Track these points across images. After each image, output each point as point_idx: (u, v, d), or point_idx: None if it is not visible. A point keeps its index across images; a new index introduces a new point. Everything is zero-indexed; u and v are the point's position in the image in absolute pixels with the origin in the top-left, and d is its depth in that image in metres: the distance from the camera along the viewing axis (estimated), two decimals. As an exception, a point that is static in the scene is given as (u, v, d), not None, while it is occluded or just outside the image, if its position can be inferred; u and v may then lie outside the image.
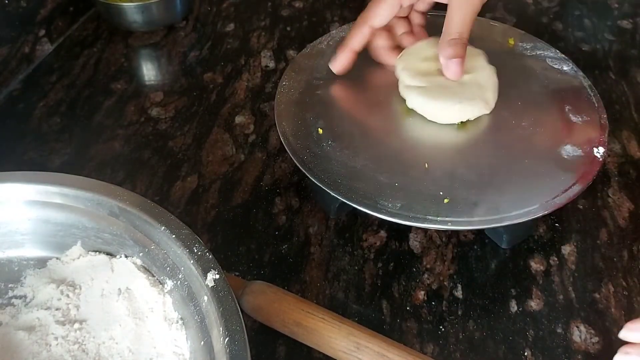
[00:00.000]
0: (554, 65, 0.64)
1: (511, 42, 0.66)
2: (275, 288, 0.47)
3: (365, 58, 0.62)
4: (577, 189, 0.51)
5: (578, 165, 0.53)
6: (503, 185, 0.52)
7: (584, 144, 0.55)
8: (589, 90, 0.61)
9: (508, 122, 0.58)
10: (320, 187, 0.52)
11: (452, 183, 0.52)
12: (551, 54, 0.65)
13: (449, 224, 0.49)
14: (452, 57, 0.54)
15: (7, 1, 0.69)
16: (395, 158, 0.54)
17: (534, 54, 0.65)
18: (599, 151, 0.54)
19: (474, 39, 0.66)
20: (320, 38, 0.67)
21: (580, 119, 0.58)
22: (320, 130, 0.56)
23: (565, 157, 0.54)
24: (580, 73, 0.63)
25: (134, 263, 0.46)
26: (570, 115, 0.58)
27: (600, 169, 0.53)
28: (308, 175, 0.53)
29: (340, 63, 0.59)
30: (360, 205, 0.50)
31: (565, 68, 0.63)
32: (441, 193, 0.51)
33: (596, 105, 0.59)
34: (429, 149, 0.55)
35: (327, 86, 0.61)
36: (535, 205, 0.50)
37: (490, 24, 0.69)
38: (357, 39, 0.58)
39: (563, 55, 0.65)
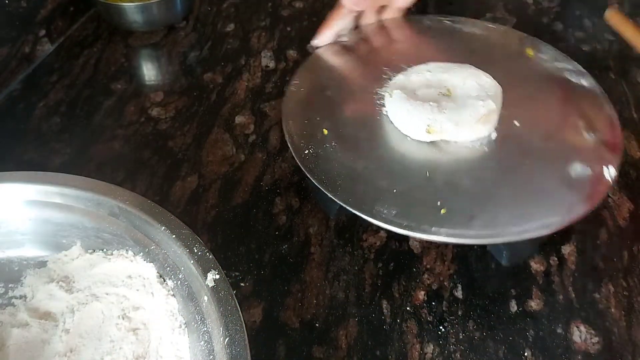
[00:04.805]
0: (571, 79, 0.60)
1: (530, 52, 0.63)
2: None
3: (375, 62, 0.62)
4: (581, 211, 0.49)
5: (585, 186, 0.50)
6: (504, 200, 0.50)
7: (595, 162, 0.52)
8: (607, 107, 0.57)
9: (519, 136, 0.55)
10: (319, 187, 0.52)
11: (452, 194, 0.50)
12: (570, 67, 0.61)
13: (443, 235, 0.47)
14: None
15: (7, 1, 0.69)
16: (397, 164, 0.53)
17: (552, 65, 0.62)
18: (609, 171, 0.51)
19: (489, 47, 0.65)
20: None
21: (594, 137, 0.54)
22: (325, 131, 0.56)
23: (574, 175, 0.51)
24: (599, 88, 0.59)
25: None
26: (584, 131, 0.55)
27: (608, 191, 0.50)
28: (307, 175, 0.52)
29: (322, 42, 0.66)
30: (355, 209, 0.49)
31: (584, 82, 0.59)
32: (439, 203, 0.49)
33: (614, 123, 0.55)
34: (432, 157, 0.54)
35: (337, 87, 0.60)
36: (535, 223, 0.48)
37: (507, 32, 0.67)
38: (339, 22, 0.66)
39: (582, 69, 0.61)
